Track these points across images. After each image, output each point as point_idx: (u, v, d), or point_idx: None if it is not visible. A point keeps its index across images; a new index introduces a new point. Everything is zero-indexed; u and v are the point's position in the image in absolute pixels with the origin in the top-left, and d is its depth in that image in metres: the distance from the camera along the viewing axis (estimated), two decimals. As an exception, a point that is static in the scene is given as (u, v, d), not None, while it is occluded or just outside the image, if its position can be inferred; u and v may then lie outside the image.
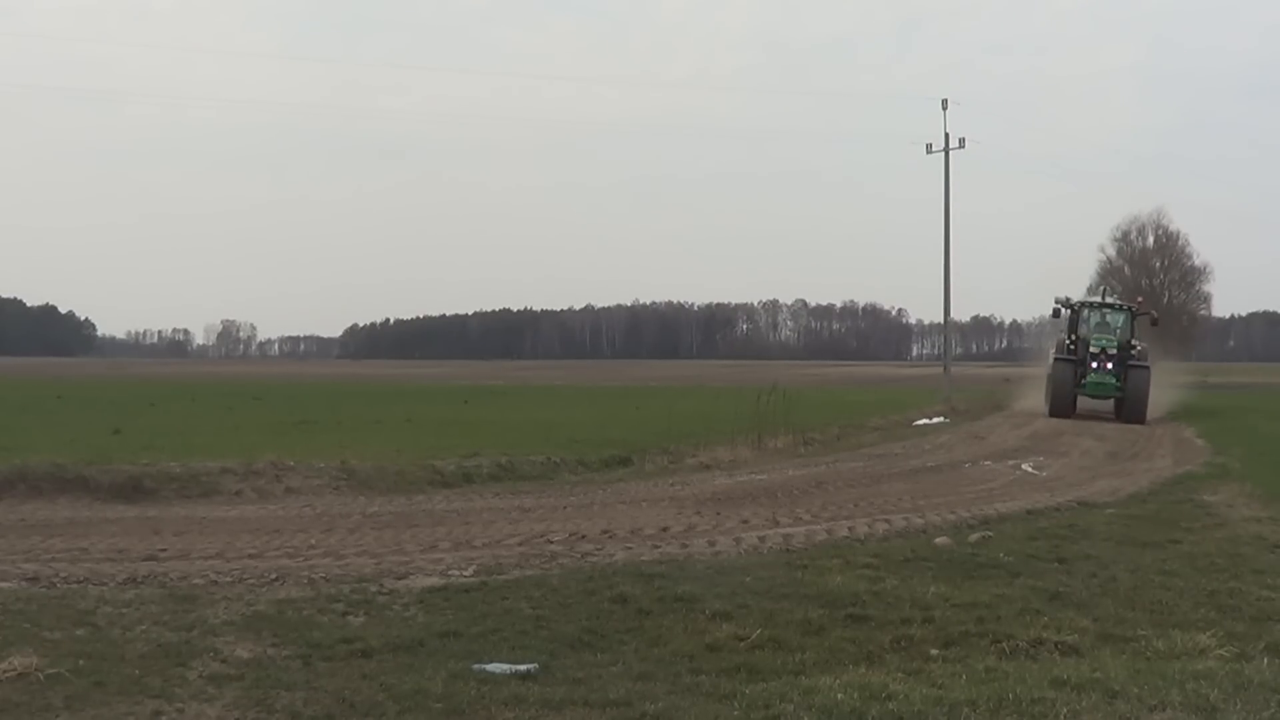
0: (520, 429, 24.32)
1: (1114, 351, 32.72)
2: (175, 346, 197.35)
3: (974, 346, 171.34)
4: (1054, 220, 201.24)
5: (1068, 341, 33.85)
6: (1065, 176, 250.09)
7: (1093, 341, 33.00)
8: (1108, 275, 63.93)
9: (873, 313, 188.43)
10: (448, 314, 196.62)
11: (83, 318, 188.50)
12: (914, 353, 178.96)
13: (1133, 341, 33.60)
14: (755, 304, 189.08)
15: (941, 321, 52.75)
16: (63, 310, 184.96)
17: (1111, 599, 8.88)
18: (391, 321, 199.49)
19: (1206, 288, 70.59)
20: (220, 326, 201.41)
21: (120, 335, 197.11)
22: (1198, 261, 69.97)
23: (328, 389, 51.40)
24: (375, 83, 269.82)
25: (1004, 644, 7.37)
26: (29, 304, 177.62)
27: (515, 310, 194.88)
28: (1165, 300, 61.96)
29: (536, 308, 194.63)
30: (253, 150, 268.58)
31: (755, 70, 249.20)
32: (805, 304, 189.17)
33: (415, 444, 19.86)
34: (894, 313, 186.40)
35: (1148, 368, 33.07)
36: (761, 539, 11.62)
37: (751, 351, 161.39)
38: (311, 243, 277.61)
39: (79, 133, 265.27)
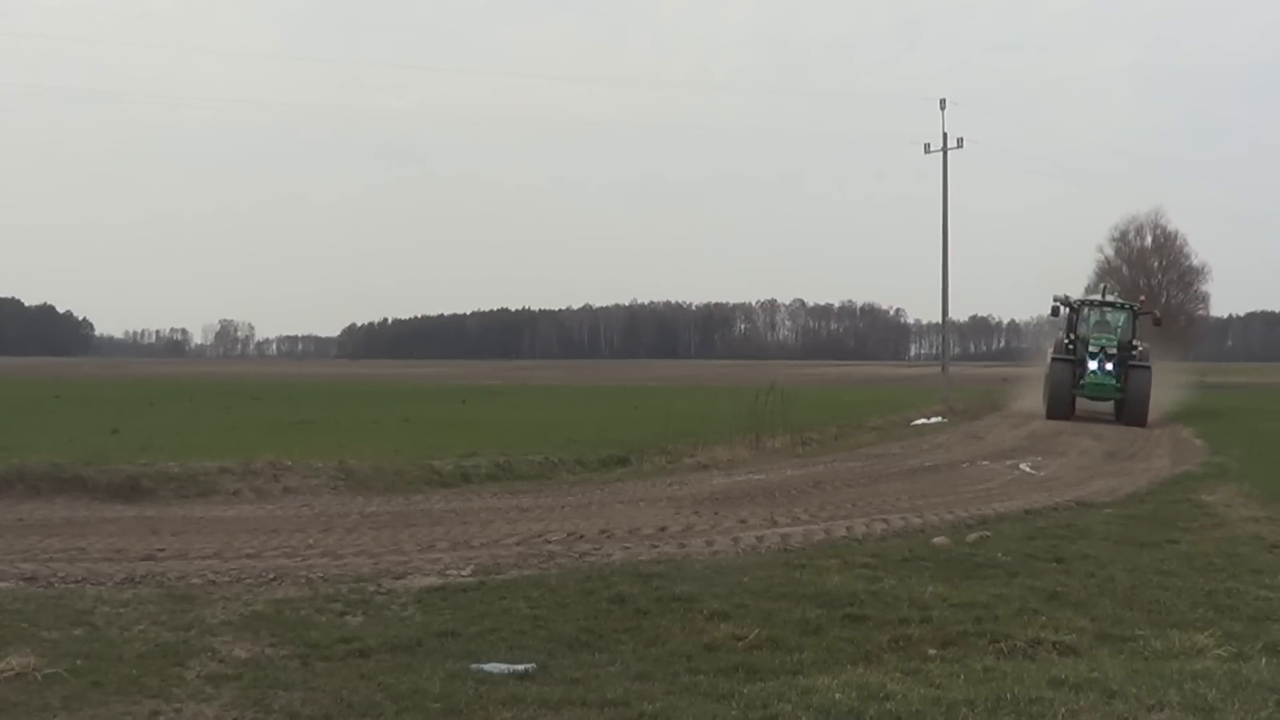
0: (518, 429, 24.32)
1: (1114, 351, 31.74)
2: (173, 346, 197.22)
3: (972, 346, 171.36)
4: (1052, 220, 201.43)
5: (1066, 341, 32.89)
6: (1064, 176, 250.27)
7: (1092, 341, 31.99)
8: (1106, 275, 63.90)
9: (871, 312, 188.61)
10: (446, 314, 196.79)
11: (80, 317, 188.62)
12: (912, 353, 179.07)
13: (1134, 341, 32.58)
14: (753, 304, 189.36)
15: (940, 321, 52.84)
16: (60, 310, 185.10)
17: (1109, 599, 8.88)
18: (390, 321, 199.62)
19: (1204, 288, 70.71)
20: (218, 326, 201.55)
21: (118, 335, 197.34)
22: (1196, 261, 70.08)
23: (326, 389, 51.38)
24: (375, 83, 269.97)
25: (1002, 644, 7.37)
26: (27, 303, 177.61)
27: (513, 310, 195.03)
28: (1163, 300, 61.88)
29: (534, 307, 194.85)
30: (251, 150, 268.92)
31: (755, 70, 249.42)
32: (803, 304, 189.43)
33: (413, 444, 19.86)
34: (892, 313, 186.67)
35: (1149, 368, 31.97)
36: (759, 539, 11.62)
37: (749, 351, 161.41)
38: (310, 242, 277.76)
39: (78, 132, 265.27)
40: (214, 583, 9.08)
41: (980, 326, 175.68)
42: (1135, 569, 10.05)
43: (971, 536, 11.67)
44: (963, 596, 8.69)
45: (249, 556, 10.28)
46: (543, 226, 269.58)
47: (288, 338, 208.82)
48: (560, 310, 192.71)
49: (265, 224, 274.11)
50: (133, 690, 6.22)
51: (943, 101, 44.77)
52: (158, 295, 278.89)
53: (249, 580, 9.18)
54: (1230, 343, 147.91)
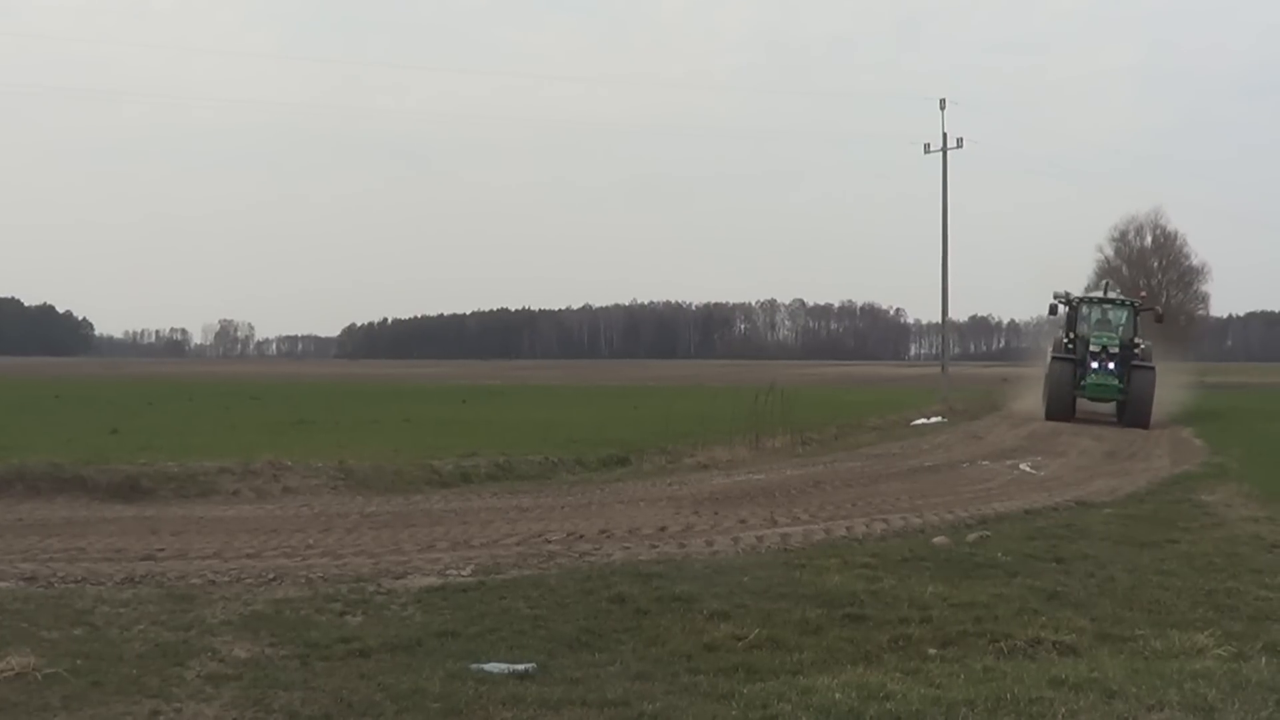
0: (518, 429, 24.32)
1: (1116, 350, 30.58)
2: (173, 346, 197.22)
3: (972, 346, 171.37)
4: (1052, 220, 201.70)
5: (1066, 340, 31.81)
6: (1064, 176, 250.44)
7: (1093, 339, 30.84)
8: (1106, 275, 63.90)
9: (870, 312, 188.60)
10: (445, 314, 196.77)
11: (80, 317, 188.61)
12: (912, 352, 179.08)
13: (1136, 340, 31.39)
14: (753, 304, 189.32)
15: (939, 321, 52.83)
16: (60, 310, 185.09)
17: (1109, 599, 8.88)
18: (389, 321, 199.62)
19: (1204, 288, 70.84)
20: (218, 326, 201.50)
21: (118, 335, 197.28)
22: (1195, 261, 70.17)
23: (325, 389, 51.37)
24: (375, 83, 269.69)
25: (1002, 643, 7.37)
26: (26, 303, 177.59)
27: (513, 310, 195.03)
28: (1163, 300, 61.86)
29: (534, 307, 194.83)
30: (251, 150, 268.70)
31: (755, 70, 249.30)
32: (803, 304, 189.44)
33: (413, 444, 19.86)
34: (892, 312, 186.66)
35: (1152, 368, 30.80)
36: (759, 539, 11.62)
37: (749, 351, 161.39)
38: (310, 242, 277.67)
39: (78, 132, 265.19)
40: (214, 582, 9.08)
41: (980, 326, 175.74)
42: (1135, 569, 10.05)
43: (971, 536, 11.67)
44: (963, 596, 8.69)
45: (249, 556, 10.28)
46: (543, 226, 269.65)
47: (287, 338, 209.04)
48: (560, 310, 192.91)
49: (265, 224, 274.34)
50: (133, 690, 6.21)
51: (942, 101, 44.80)
52: (157, 295, 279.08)
53: (249, 580, 9.18)
54: (1230, 343, 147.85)
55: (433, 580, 9.27)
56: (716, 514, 13.30)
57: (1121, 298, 34.95)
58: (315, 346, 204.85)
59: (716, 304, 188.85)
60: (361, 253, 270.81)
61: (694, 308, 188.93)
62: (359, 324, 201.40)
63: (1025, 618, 8.03)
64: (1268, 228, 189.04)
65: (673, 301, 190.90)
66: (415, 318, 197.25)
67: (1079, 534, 12.04)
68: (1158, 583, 9.43)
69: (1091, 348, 30.78)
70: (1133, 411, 30.26)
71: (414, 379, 73.53)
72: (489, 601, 8.45)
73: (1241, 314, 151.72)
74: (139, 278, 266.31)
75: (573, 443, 20.83)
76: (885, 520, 13.00)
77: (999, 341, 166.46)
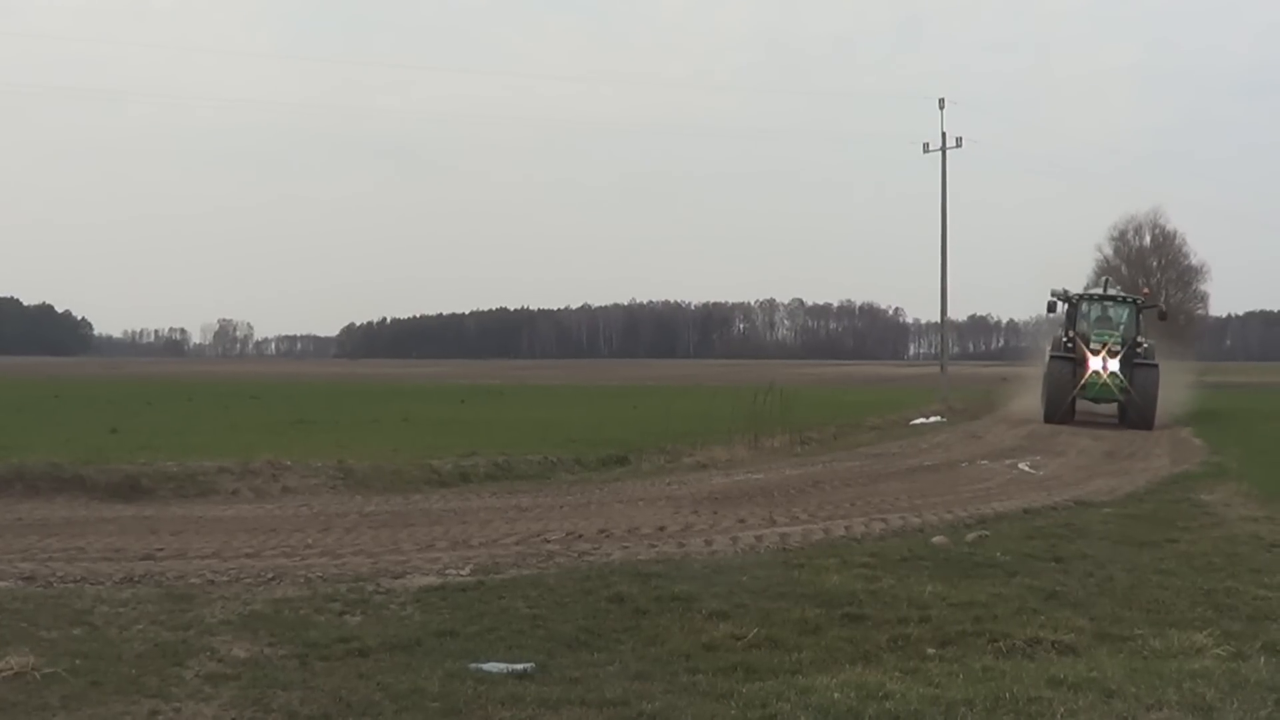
0: (517, 428, 24.32)
1: (1118, 349, 29.39)
2: (172, 346, 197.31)
3: (971, 346, 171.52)
4: (1051, 219, 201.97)
5: (1065, 338, 30.62)
6: (1063, 176, 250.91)
7: (1093, 338, 29.73)
8: (1104, 274, 63.88)
9: (870, 312, 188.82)
10: (444, 313, 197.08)
11: (79, 317, 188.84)
12: (911, 352, 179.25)
13: (1138, 338, 30.22)
14: (752, 303, 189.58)
15: (938, 320, 52.83)
16: (59, 309, 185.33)
17: (1108, 598, 8.88)
18: (388, 321, 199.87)
19: (1203, 287, 70.78)
20: (217, 326, 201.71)
21: (117, 334, 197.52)
22: (1195, 261, 70.13)
23: (325, 388, 51.38)
24: (375, 82, 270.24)
25: (1001, 643, 7.37)
26: (26, 303, 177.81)
27: (512, 310, 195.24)
28: (1162, 299, 61.93)
29: (533, 307, 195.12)
30: (251, 149, 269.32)
31: (755, 70, 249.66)
32: (802, 303, 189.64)
33: (412, 443, 19.86)
34: (891, 312, 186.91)
35: (1156, 366, 29.72)
36: (758, 538, 11.62)
37: (748, 351, 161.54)
38: (309, 242, 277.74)
39: (78, 132, 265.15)
40: (213, 582, 9.07)
41: (979, 326, 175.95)
42: (1134, 568, 10.05)
43: (970, 536, 11.67)
44: (961, 596, 8.69)
45: (248, 556, 10.28)
46: (542, 226, 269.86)
47: (286, 337, 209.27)
48: (559, 310, 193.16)
49: (264, 224, 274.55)
50: (132, 690, 6.21)
51: (941, 101, 44.75)
52: (157, 295, 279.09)
53: (248, 580, 9.17)
54: (1229, 342, 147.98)
55: (432, 580, 9.26)
56: (715, 514, 13.30)
57: (1123, 294, 33.85)
58: (314, 346, 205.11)
59: (715, 304, 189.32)
60: (361, 252, 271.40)
61: (693, 307, 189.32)
62: (358, 324, 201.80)
63: (1024, 617, 8.03)
64: (1267, 227, 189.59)
65: (672, 301, 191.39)
66: (414, 317, 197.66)
67: (1078, 533, 12.04)
68: (1157, 582, 9.43)
69: (1092, 346, 29.69)
70: (1136, 412, 29.32)
71: (413, 379, 73.54)
72: (488, 601, 8.45)
73: (1241, 314, 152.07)
74: (139, 278, 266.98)
75: (572, 442, 20.83)
76: (884, 520, 13.00)
77: (998, 341, 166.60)
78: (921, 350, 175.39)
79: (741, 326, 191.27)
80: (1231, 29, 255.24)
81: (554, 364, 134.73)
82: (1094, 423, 30.06)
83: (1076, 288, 33.29)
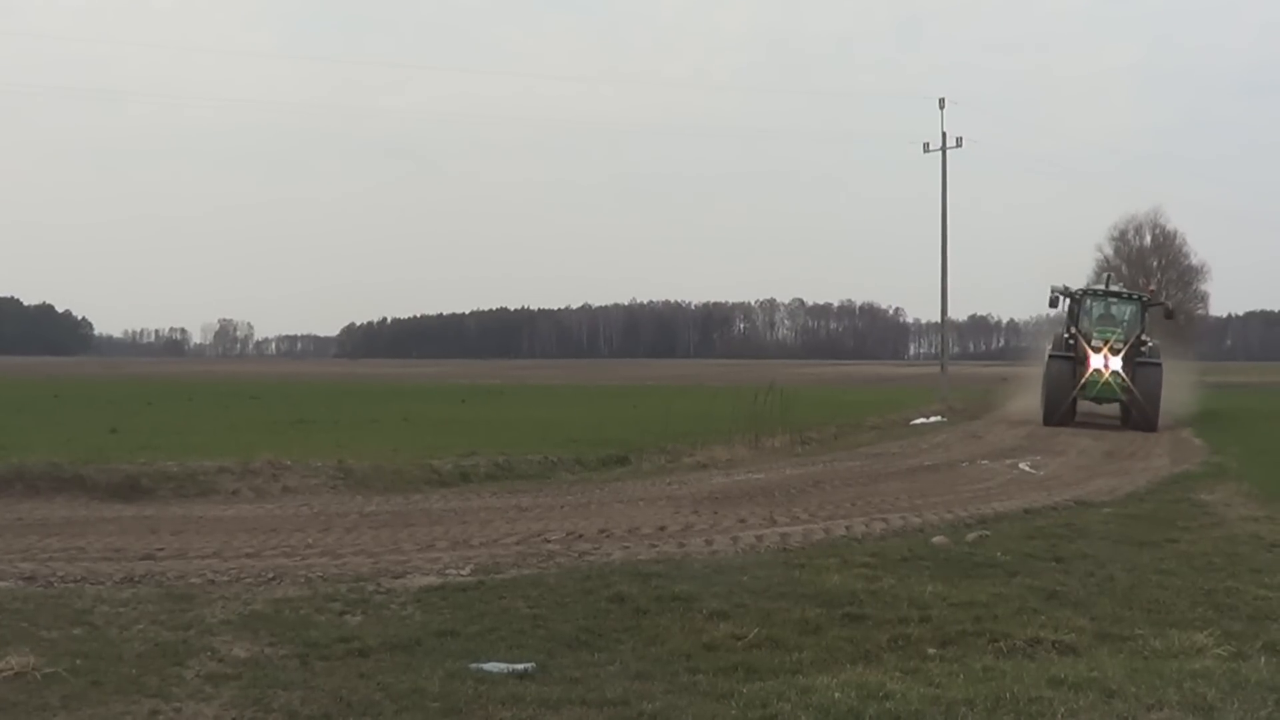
0: (517, 428, 24.32)
1: (1120, 347, 28.43)
2: (172, 345, 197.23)
3: (971, 346, 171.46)
4: (1052, 219, 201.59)
5: (1066, 336, 29.58)
6: (1063, 176, 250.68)
7: (1095, 336, 28.79)
8: (1107, 271, 63.85)
9: (870, 312, 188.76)
10: (445, 313, 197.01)
11: (80, 317, 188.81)
12: (911, 352, 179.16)
13: (1142, 336, 29.24)
14: (752, 303, 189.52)
15: (939, 320, 52.84)
16: (60, 309, 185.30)
17: (1109, 598, 8.87)
18: (389, 321, 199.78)
19: (1204, 287, 70.75)
20: (217, 325, 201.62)
21: (117, 334, 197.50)
22: (1195, 261, 70.11)
23: (325, 388, 51.38)
24: (375, 82, 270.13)
25: (1001, 643, 7.37)
26: (26, 303, 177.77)
27: (512, 309, 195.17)
28: (1162, 299, 61.92)
29: (534, 307, 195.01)
30: (251, 149, 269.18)
31: (755, 70, 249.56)
32: (802, 303, 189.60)
33: (412, 443, 19.86)
34: (891, 312, 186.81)
35: (1159, 365, 28.71)
36: (759, 538, 11.61)
37: (749, 351, 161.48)
38: (309, 242, 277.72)
39: (78, 132, 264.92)
40: (213, 582, 9.07)
41: (979, 326, 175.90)
42: (1134, 568, 10.05)
43: (971, 536, 11.66)
44: (962, 596, 8.68)
45: (248, 556, 10.28)
46: (543, 226, 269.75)
47: (287, 337, 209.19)
48: (559, 310, 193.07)
49: (264, 223, 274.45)
50: (132, 690, 6.21)
51: (942, 101, 44.84)
52: (157, 295, 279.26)
53: (248, 580, 9.17)
54: (1229, 342, 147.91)
55: (432, 580, 9.26)
56: (716, 513, 13.30)
57: (1127, 291, 32.91)
58: (314, 346, 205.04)
59: (716, 303, 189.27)
60: (361, 252, 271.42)
61: (693, 307, 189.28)
62: (358, 323, 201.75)
63: (1024, 617, 8.03)
64: (1268, 227, 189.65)
65: (672, 301, 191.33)
66: (414, 317, 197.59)
67: (1078, 533, 12.04)
68: (1157, 582, 9.43)
69: (1094, 344, 28.77)
70: (1139, 412, 28.49)
71: (413, 378, 73.54)
72: (488, 601, 8.45)
73: (1241, 314, 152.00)
74: (139, 277, 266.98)
75: (572, 442, 20.83)
76: (885, 520, 12.99)
77: (998, 341, 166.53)
78: (922, 350, 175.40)
79: (742, 326, 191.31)
80: (1232, 28, 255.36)
81: (554, 364, 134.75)
82: (1094, 423, 29.94)
83: (1076, 286, 32.34)
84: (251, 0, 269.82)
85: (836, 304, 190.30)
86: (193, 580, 9.12)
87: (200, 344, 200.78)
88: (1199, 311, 72.08)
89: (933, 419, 31.50)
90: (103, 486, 14.15)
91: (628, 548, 10.91)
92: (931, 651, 7.22)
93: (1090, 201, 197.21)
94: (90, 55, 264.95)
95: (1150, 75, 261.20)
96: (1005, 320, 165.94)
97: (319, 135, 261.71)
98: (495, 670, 6.62)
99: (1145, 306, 30.95)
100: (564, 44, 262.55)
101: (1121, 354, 28.61)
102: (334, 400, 37.94)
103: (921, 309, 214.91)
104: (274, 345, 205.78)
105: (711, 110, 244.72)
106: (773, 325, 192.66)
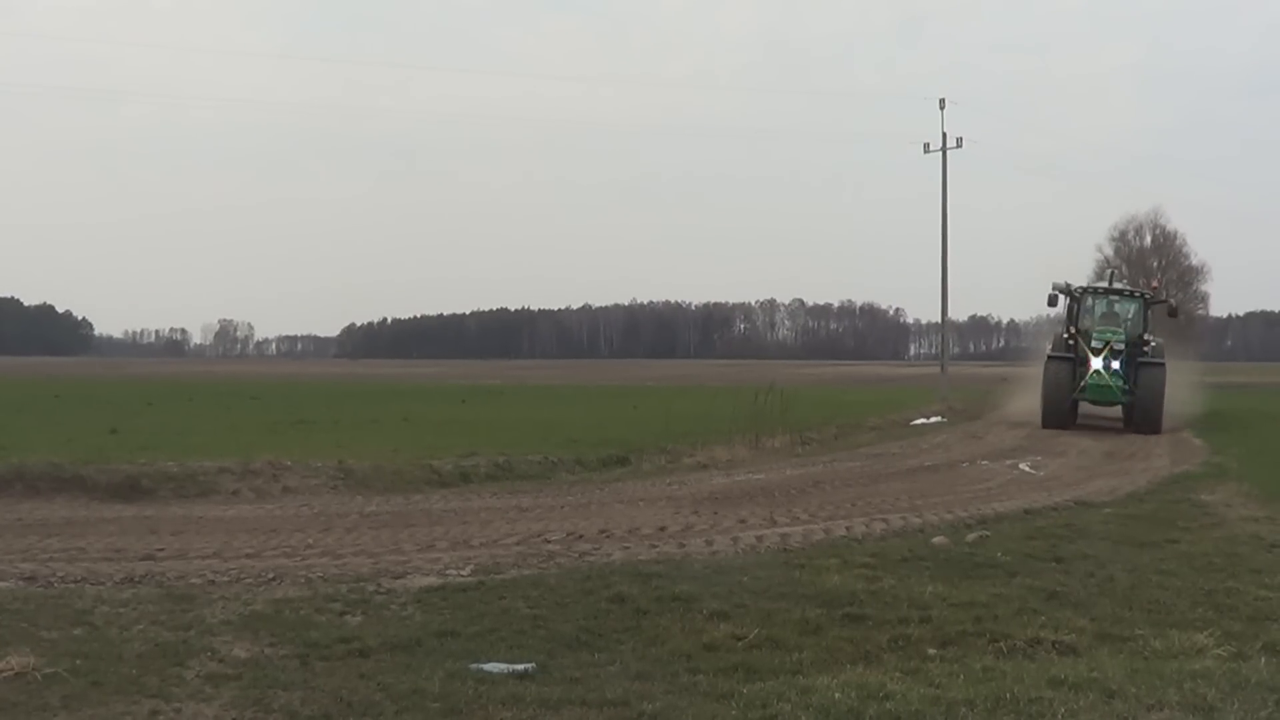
0: (517, 428, 24.31)
1: (1122, 347, 27.31)
2: (172, 346, 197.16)
3: (971, 346, 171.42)
4: (1052, 220, 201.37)
5: (1066, 336, 28.54)
6: (1063, 176, 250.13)
7: (1096, 335, 27.68)
8: (1108, 269, 63.82)
9: (870, 312, 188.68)
10: (445, 313, 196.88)
11: (80, 317, 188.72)
12: (911, 352, 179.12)
13: (1145, 336, 28.24)
14: (753, 303, 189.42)
15: (939, 321, 52.84)
16: (60, 309, 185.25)
17: (1109, 598, 8.88)
18: (389, 321, 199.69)
19: (1204, 287, 70.79)
20: (218, 326, 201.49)
21: (117, 334, 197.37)
22: (1195, 261, 70.15)
23: (325, 388, 51.37)
24: (375, 82, 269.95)
25: (1001, 643, 7.37)
26: (26, 303, 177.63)
27: (513, 310, 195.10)
28: (1165, 296, 61.88)
29: (534, 307, 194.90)
30: (251, 150, 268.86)
31: (755, 70, 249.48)
32: (803, 303, 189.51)
33: (413, 443, 19.85)
34: (891, 312, 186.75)
35: (1163, 365, 27.66)
36: (759, 538, 11.62)
37: (749, 351, 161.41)
38: (309, 242, 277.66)
39: (78, 132, 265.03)
40: (213, 582, 9.08)
41: (979, 326, 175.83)
42: (1135, 569, 10.05)
43: (971, 536, 11.67)
44: (962, 596, 8.69)
45: (248, 556, 10.28)
46: (543, 226, 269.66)
47: (287, 337, 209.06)
48: (560, 310, 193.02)
49: (264, 224, 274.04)
50: (132, 690, 6.21)
51: (942, 101, 44.81)
52: (157, 295, 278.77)
53: (248, 580, 9.17)
54: (1230, 342, 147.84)
55: (432, 580, 9.27)
56: (716, 514, 13.30)
57: (1130, 289, 32.00)
58: (315, 346, 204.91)
59: (716, 304, 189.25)
60: (361, 253, 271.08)
61: (693, 307, 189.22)
62: (359, 324, 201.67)
63: (1025, 617, 8.03)
64: (1268, 228, 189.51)
65: (672, 301, 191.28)
66: (415, 318, 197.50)
67: (1078, 534, 12.04)
68: (1157, 582, 9.43)
69: (1094, 344, 27.63)
70: (1141, 415, 27.41)
71: (413, 379, 73.53)
72: (488, 601, 8.45)
73: (1241, 314, 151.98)
74: (139, 278, 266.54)
75: (572, 442, 20.82)
76: (885, 520, 13.00)
77: (998, 341, 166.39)
78: (922, 350, 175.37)
79: (742, 326, 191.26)
80: (1232, 29, 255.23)
81: (554, 364, 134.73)
82: (1095, 424, 29.78)
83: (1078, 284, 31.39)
84: (251, 0, 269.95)
85: (836, 304, 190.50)
86: (193, 580, 9.13)
87: (200, 344, 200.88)
88: (1199, 312, 72.10)
89: (933, 419, 31.47)
90: (103, 487, 14.16)
91: (628, 548, 10.92)
92: (932, 652, 7.22)
93: (1090, 202, 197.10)
94: (90, 55, 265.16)
95: (1150, 75, 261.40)
96: (1005, 321, 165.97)
97: (319, 135, 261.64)
98: (495, 670, 6.62)
99: (1148, 304, 30.14)
100: (564, 44, 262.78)
101: (1122, 354, 27.66)
102: (334, 400, 37.93)
103: (921, 309, 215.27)
104: (274, 345, 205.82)
105: (712, 111, 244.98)
106: (773, 326, 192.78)
